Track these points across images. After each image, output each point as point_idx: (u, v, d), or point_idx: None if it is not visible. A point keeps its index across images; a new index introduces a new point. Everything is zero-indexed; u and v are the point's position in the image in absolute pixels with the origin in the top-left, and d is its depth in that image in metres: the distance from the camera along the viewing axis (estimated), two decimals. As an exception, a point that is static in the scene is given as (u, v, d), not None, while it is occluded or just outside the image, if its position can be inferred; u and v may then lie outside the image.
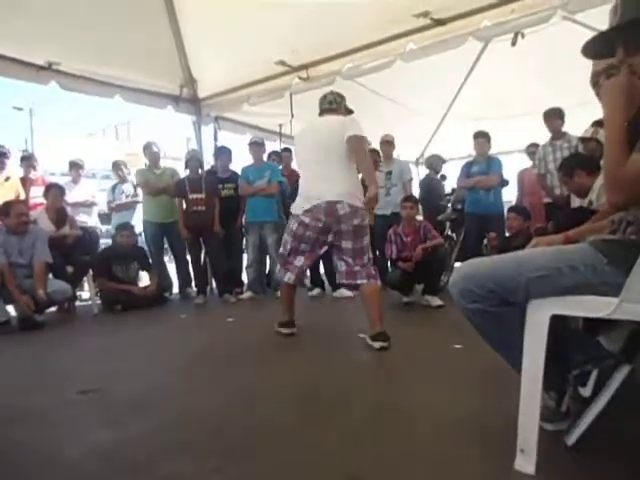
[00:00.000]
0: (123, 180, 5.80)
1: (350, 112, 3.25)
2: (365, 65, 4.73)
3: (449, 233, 5.38)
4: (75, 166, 5.68)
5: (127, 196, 5.70)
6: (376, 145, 5.61)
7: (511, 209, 4.49)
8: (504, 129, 6.22)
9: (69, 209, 5.09)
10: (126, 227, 5.00)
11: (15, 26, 4.09)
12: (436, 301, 4.14)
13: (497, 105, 6.30)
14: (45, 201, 4.82)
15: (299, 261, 3.07)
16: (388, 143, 5.38)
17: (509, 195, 5.93)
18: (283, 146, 6.16)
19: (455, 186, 5.68)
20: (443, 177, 6.71)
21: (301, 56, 4.98)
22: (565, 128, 4.52)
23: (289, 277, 3.08)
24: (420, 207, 5.78)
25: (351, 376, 2.25)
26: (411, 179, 5.40)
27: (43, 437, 1.69)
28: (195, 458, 1.44)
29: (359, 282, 2.93)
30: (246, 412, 1.82)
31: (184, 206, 5.03)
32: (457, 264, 5.17)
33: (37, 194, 5.07)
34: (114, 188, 5.78)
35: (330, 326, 3.65)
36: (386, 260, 5.03)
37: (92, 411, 1.92)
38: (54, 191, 4.76)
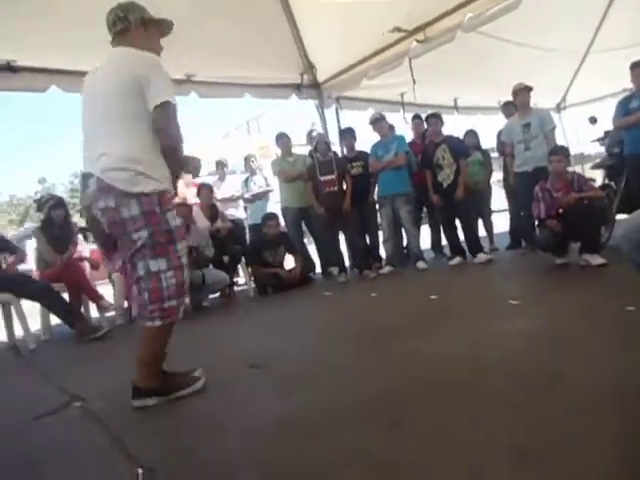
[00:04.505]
0: (254, 172, 6.16)
1: (155, 26, 2.17)
2: (488, 11, 4.35)
3: (607, 182, 4.74)
4: (220, 165, 6.28)
5: (259, 187, 6.03)
6: (509, 97, 5.18)
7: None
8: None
9: (219, 204, 5.64)
10: (272, 217, 5.37)
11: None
12: (597, 259, 3.70)
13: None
14: (199, 200, 5.42)
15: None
16: (523, 91, 4.88)
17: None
18: (407, 114, 6.03)
19: (609, 128, 4.97)
20: (593, 119, 5.91)
21: (416, 18, 4.76)
22: None
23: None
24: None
25: (508, 344, 2.13)
26: (554, 127, 4.86)
27: (223, 405, 1.93)
28: (360, 427, 1.53)
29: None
30: (405, 383, 1.85)
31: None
32: (620, 216, 4.56)
33: (191, 194, 5.72)
34: (246, 181, 6.13)
35: (477, 295, 3.50)
36: (532, 221, 4.66)
37: (262, 383, 2.14)
38: (205, 190, 5.32)
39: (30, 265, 6.13)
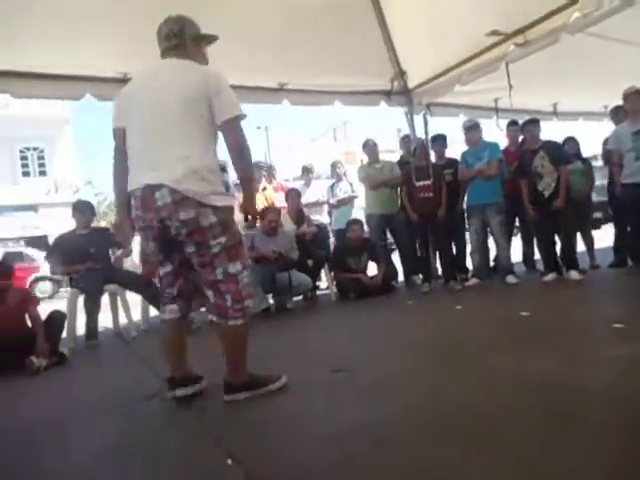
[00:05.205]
0: (340, 178, 6.17)
1: (203, 41, 2.26)
2: (598, 11, 4.04)
3: None
4: (307, 171, 6.44)
5: (344, 193, 6.04)
6: (616, 101, 4.78)
7: None
8: None
9: (305, 209, 5.78)
10: (356, 222, 5.40)
11: (248, 58, 4.78)
12: None
13: None
14: (286, 204, 5.59)
15: (170, 288, 2.22)
16: (634, 95, 4.45)
17: None
18: (502, 121, 5.79)
19: None
20: None
21: (516, 20, 4.55)
22: None
23: (165, 311, 2.25)
24: None
25: (613, 371, 1.96)
26: (672, 136, 4.39)
27: (306, 409, 1.97)
28: (438, 445, 1.49)
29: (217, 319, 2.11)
30: (487, 399, 1.78)
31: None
32: None
33: (279, 198, 5.92)
34: (332, 186, 6.17)
35: (575, 315, 3.24)
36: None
37: (344, 389, 2.15)
38: (293, 195, 5.49)
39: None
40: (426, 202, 4.95)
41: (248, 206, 2.16)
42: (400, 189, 5.48)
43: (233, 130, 2.05)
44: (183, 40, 2.16)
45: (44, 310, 3.71)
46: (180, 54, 2.14)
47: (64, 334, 3.87)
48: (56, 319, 3.72)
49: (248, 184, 2.18)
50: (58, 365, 3.41)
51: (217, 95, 2.01)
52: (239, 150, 2.06)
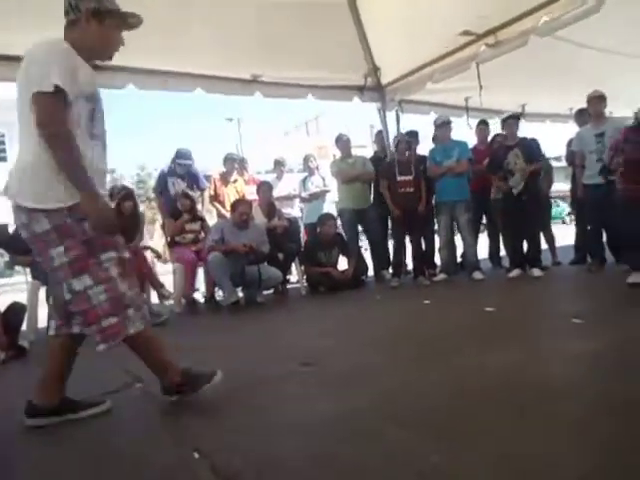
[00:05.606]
0: (312, 172, 6.12)
1: (109, 19, 1.83)
2: (565, 15, 4.16)
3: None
4: (278, 164, 6.39)
5: (317, 187, 6.01)
6: (582, 104, 4.94)
7: None
8: None
9: (276, 202, 5.74)
10: (330, 217, 5.41)
11: (222, 49, 4.70)
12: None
13: None
14: (257, 197, 5.55)
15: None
16: (598, 99, 4.63)
17: None
18: (471, 120, 5.89)
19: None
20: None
21: (489, 21, 4.63)
22: None
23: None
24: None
25: (572, 365, 2.03)
26: (631, 139, 4.57)
27: (274, 401, 1.96)
28: (412, 432, 1.52)
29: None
30: (453, 396, 1.82)
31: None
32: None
33: (251, 191, 5.86)
34: (304, 180, 6.13)
35: (537, 310, 3.36)
36: (600, 235, 4.45)
37: (313, 382, 2.16)
38: (264, 188, 5.46)
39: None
40: (407, 197, 4.99)
41: (86, 210, 1.72)
42: (374, 184, 5.52)
43: (35, 110, 1.66)
44: (79, 14, 1.79)
45: (3, 302, 3.57)
46: (74, 32, 1.80)
47: (24, 326, 3.74)
48: (16, 311, 3.59)
49: (76, 183, 1.70)
50: (17, 358, 3.29)
51: (27, 74, 1.69)
52: (45, 137, 1.66)
